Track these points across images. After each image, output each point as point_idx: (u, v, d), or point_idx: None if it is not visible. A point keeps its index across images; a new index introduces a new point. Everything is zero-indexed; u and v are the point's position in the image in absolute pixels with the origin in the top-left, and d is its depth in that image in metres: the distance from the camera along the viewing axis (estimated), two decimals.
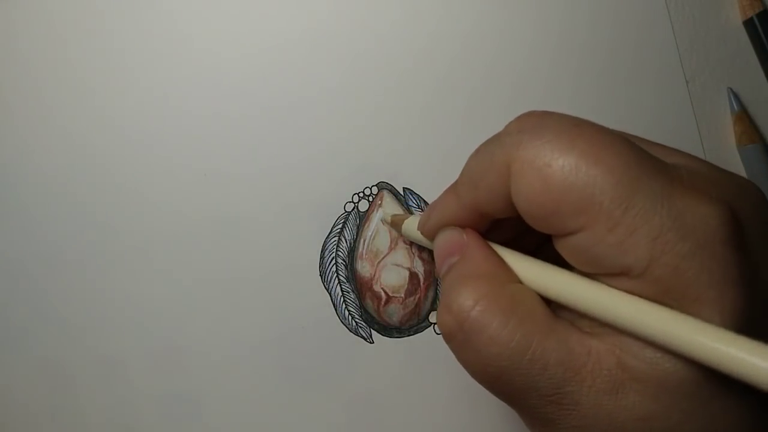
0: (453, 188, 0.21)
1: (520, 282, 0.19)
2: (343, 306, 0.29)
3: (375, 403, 0.29)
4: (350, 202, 0.30)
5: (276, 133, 0.30)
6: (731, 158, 0.30)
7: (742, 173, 0.29)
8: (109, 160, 0.30)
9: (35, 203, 0.30)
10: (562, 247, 0.17)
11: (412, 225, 0.25)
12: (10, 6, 0.31)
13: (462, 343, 0.18)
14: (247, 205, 0.30)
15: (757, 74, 0.30)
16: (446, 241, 0.21)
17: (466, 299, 0.18)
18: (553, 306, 0.18)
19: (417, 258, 0.29)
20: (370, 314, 0.29)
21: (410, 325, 0.29)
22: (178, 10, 0.30)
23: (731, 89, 0.30)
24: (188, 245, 0.30)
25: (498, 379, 0.18)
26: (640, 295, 0.16)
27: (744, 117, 0.29)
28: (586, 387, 0.16)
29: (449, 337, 0.19)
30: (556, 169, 0.16)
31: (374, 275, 0.29)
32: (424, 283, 0.29)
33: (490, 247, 0.20)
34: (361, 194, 0.30)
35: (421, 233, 0.23)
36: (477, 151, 0.19)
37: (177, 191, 0.30)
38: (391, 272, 0.29)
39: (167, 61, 0.30)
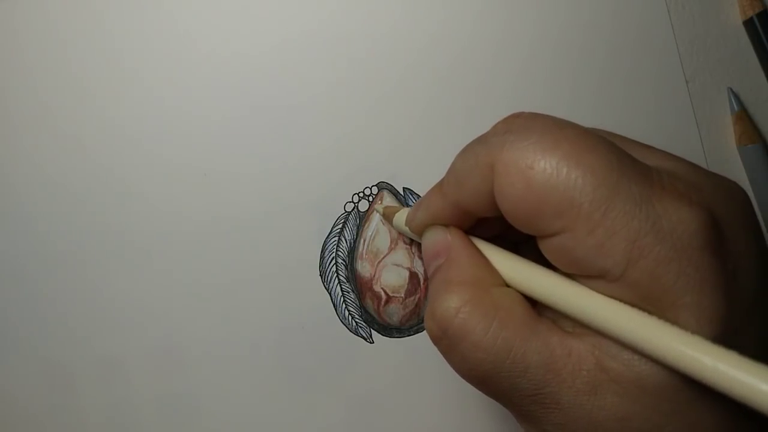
0: (439, 186, 0.21)
1: (504, 283, 0.19)
2: (343, 306, 0.29)
3: (375, 403, 0.29)
4: (350, 202, 0.30)
5: (276, 133, 0.30)
6: (731, 158, 0.30)
7: (742, 173, 0.29)
8: (109, 159, 0.30)
9: (35, 203, 0.30)
10: (545, 248, 0.17)
11: (401, 218, 0.25)
12: (10, 6, 0.31)
13: (447, 348, 0.19)
14: (247, 205, 0.30)
15: (757, 74, 0.30)
16: (432, 242, 0.21)
17: (449, 306, 0.18)
18: (538, 304, 0.19)
19: (417, 258, 0.29)
20: (370, 314, 0.29)
21: (410, 325, 0.29)
22: (178, 10, 0.30)
23: (731, 89, 0.30)
24: (188, 245, 0.30)
25: (483, 381, 0.18)
26: (620, 299, 0.16)
27: (744, 117, 0.29)
28: (566, 387, 0.17)
29: (435, 342, 0.19)
30: (538, 171, 0.16)
31: (374, 275, 0.29)
32: (424, 283, 0.29)
33: (475, 248, 0.20)
34: (361, 194, 0.30)
35: (409, 229, 0.23)
36: (463, 150, 0.19)
37: (177, 191, 0.30)
38: (391, 272, 0.29)
39: (167, 61, 0.30)
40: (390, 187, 0.30)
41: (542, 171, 0.16)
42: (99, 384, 0.30)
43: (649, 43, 0.30)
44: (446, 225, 0.21)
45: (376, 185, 0.30)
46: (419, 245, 0.29)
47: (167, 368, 0.29)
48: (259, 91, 0.30)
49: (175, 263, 0.30)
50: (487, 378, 0.18)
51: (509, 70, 0.30)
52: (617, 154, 0.16)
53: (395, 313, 0.29)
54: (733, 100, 0.29)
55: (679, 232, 0.15)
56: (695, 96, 0.30)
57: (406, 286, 0.29)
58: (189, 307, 0.30)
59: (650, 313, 0.16)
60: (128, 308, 0.30)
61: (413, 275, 0.29)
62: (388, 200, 0.29)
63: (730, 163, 0.29)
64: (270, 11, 0.30)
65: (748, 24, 0.29)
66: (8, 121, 0.30)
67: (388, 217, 0.28)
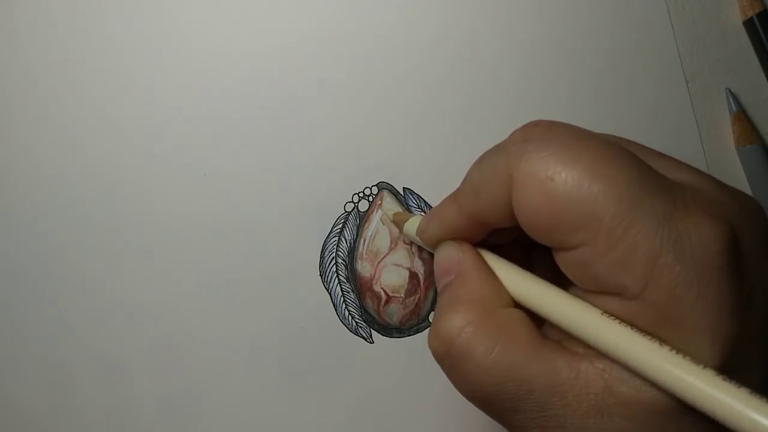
0: (454, 196, 0.20)
1: (512, 303, 0.19)
2: (343, 306, 0.29)
3: (375, 404, 0.29)
4: (350, 202, 0.30)
5: (276, 133, 0.30)
6: (731, 159, 0.30)
7: (741, 174, 0.29)
8: (109, 160, 0.30)
9: (35, 203, 0.30)
10: (562, 261, 0.17)
11: (412, 227, 0.25)
12: (10, 6, 0.30)
13: (449, 368, 0.19)
14: (247, 205, 0.30)
15: (757, 74, 0.30)
16: (443, 258, 0.21)
17: (453, 325, 0.18)
18: (548, 323, 0.18)
19: (417, 258, 0.29)
20: (370, 314, 0.29)
21: (410, 325, 0.29)
22: (178, 10, 0.30)
23: (729, 90, 0.30)
24: (188, 245, 0.30)
25: (485, 402, 0.18)
26: (635, 320, 0.16)
27: (742, 117, 0.29)
28: (571, 410, 0.16)
29: (438, 360, 0.19)
30: (559, 183, 0.16)
31: (374, 275, 0.29)
32: (424, 283, 0.29)
33: (485, 266, 0.20)
34: (361, 194, 0.30)
35: (420, 239, 0.23)
36: (480, 159, 0.19)
37: (177, 191, 0.30)
38: (391, 272, 0.29)
39: (167, 61, 0.30)
40: (390, 187, 0.30)
41: (563, 183, 0.16)
42: (99, 384, 0.30)
43: (649, 43, 0.30)
44: (459, 239, 0.21)
45: (376, 185, 0.30)
46: (420, 246, 0.29)
47: (167, 368, 0.29)
48: (259, 92, 0.30)
49: (175, 263, 0.30)
50: (489, 399, 0.18)
51: (509, 70, 0.30)
52: (639, 168, 0.16)
53: (395, 313, 0.29)
54: (731, 101, 0.29)
55: (699, 252, 0.15)
56: (695, 96, 0.30)
57: (406, 286, 0.29)
58: (189, 307, 0.30)
59: (664, 333, 0.15)
60: (128, 308, 0.30)
61: (413, 275, 0.29)
62: (388, 200, 0.29)
63: (730, 163, 0.30)
64: (270, 11, 0.30)
65: (748, 24, 0.29)
66: (8, 121, 0.30)
67: (398, 224, 0.28)
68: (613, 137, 0.20)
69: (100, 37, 0.30)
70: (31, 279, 0.30)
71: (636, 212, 0.15)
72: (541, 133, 0.18)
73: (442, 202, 0.21)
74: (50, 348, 0.30)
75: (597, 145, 0.17)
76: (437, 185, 0.30)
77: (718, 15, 0.30)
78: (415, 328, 0.29)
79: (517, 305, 0.19)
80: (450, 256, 0.21)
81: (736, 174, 0.30)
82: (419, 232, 0.23)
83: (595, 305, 0.17)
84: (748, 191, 0.29)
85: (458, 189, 0.20)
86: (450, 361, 0.18)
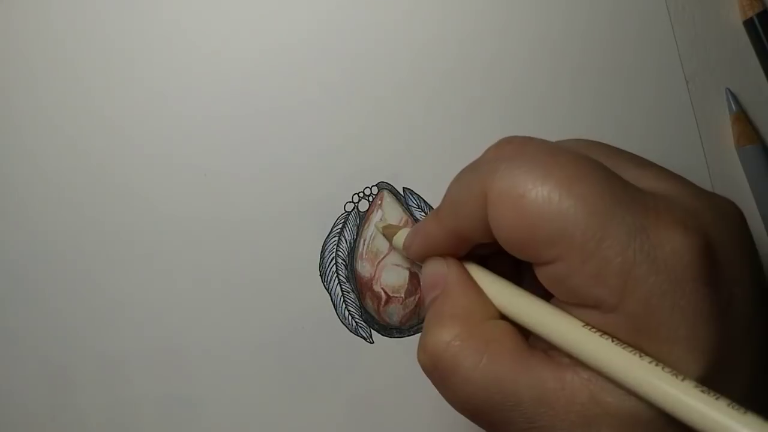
0: (436, 213, 0.21)
1: (498, 315, 0.19)
2: (343, 306, 0.29)
3: (375, 403, 0.29)
4: (350, 202, 0.30)
5: (276, 134, 0.30)
6: (731, 158, 0.30)
7: (741, 174, 0.29)
8: (109, 160, 0.30)
9: (35, 203, 0.30)
10: (541, 275, 0.17)
11: (400, 241, 0.25)
12: (9, 6, 0.30)
13: (438, 382, 0.19)
14: (247, 205, 0.30)
15: (757, 74, 0.30)
16: (429, 273, 0.21)
17: (440, 339, 0.18)
18: (534, 334, 0.18)
19: None
20: (370, 314, 0.29)
21: (410, 325, 0.29)
22: (178, 10, 0.30)
23: (729, 90, 0.30)
24: (188, 245, 0.30)
25: (475, 414, 0.18)
26: (616, 331, 0.16)
27: (742, 118, 0.29)
28: (559, 421, 0.16)
29: (427, 374, 0.19)
30: (530, 200, 0.16)
31: (374, 275, 0.29)
32: None
33: (471, 280, 0.20)
34: (361, 194, 0.30)
35: (406, 254, 0.23)
36: (458, 177, 0.19)
37: (177, 191, 0.30)
38: (391, 272, 0.29)
39: (167, 61, 0.30)
40: (390, 187, 0.30)
41: (534, 200, 0.16)
42: (99, 384, 0.30)
43: (649, 43, 0.30)
44: (444, 254, 0.21)
45: (376, 185, 0.30)
46: None
47: (167, 368, 0.29)
48: (259, 92, 0.30)
49: (175, 263, 0.30)
50: (478, 411, 0.18)
51: (509, 70, 0.30)
52: (610, 181, 0.16)
53: (395, 313, 0.29)
54: (731, 101, 0.29)
55: (673, 263, 0.15)
56: (695, 96, 0.30)
57: (406, 286, 0.29)
58: (189, 307, 0.30)
59: (644, 344, 0.16)
60: (128, 308, 0.30)
61: (413, 275, 0.29)
62: (388, 200, 0.29)
63: (730, 163, 0.30)
64: (271, 11, 0.30)
65: (748, 24, 0.29)
66: (8, 121, 0.30)
67: (388, 237, 0.28)
68: (591, 145, 0.20)
69: (99, 37, 0.30)
70: (31, 279, 0.30)
71: (607, 226, 0.15)
72: (514, 150, 0.18)
73: (424, 219, 0.22)
74: (50, 348, 0.30)
75: (568, 161, 0.17)
76: (437, 185, 0.30)
77: (718, 15, 0.30)
78: (415, 328, 0.29)
79: (504, 317, 0.19)
80: (436, 270, 0.21)
81: (736, 174, 0.30)
82: (405, 247, 0.23)
83: (576, 317, 0.17)
84: (748, 191, 0.29)
85: (439, 206, 0.20)
86: (438, 375, 0.19)
